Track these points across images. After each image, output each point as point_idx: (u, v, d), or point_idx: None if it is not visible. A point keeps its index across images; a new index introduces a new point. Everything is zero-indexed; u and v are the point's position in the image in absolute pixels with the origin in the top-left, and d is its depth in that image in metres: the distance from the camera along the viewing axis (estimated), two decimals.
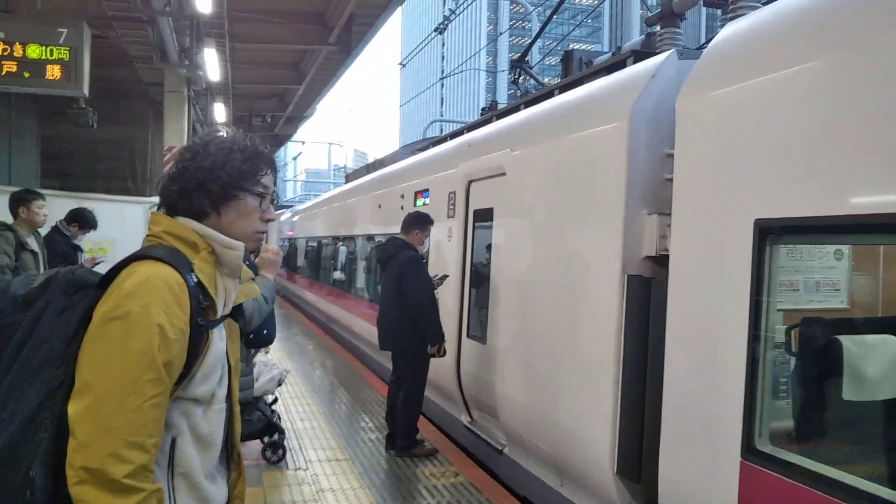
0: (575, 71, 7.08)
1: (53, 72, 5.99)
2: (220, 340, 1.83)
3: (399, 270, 5.60)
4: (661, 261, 3.97)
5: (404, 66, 24.49)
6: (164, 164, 9.44)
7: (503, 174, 5.74)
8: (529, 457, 5.11)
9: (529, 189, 5.29)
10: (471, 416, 6.33)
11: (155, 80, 11.59)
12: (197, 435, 1.75)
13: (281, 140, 23.77)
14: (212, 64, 9.21)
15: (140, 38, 9.87)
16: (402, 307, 5.62)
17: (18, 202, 5.55)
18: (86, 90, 6.62)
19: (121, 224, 10.75)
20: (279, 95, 18.21)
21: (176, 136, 9.35)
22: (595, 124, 4.41)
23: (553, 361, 4.66)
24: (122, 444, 1.53)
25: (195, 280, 1.74)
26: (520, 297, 5.22)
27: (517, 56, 9.29)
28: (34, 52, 5.98)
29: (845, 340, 2.89)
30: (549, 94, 5.90)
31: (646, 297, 3.87)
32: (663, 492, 3.49)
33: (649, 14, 5.79)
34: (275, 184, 1.99)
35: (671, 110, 4.02)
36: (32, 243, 5.55)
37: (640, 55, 4.80)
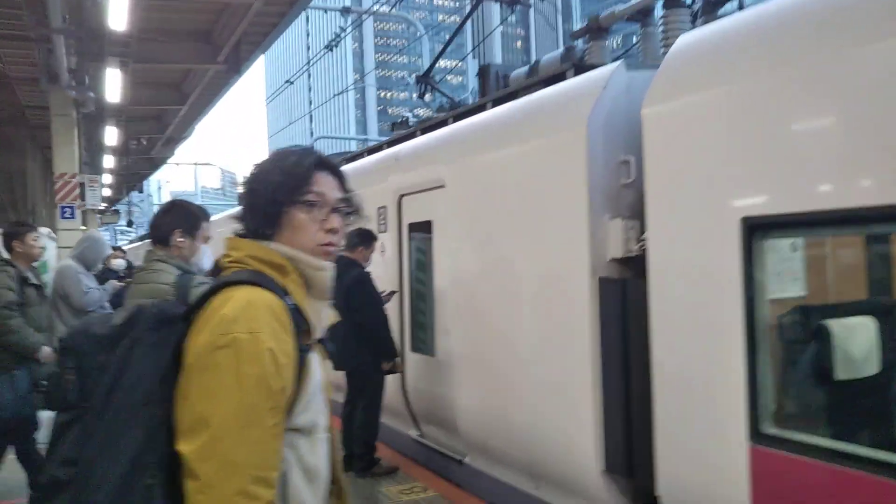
0: (492, 84, 7.26)
1: None
2: (318, 366, 1.76)
3: (347, 290, 5.51)
4: (625, 262, 4.16)
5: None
6: (56, 191, 8.82)
7: (441, 186, 5.78)
8: (496, 464, 5.15)
9: (475, 200, 5.35)
10: (420, 430, 6.30)
11: (35, 102, 10.78)
12: (305, 468, 1.66)
13: (157, 163, 22.74)
14: (114, 84, 8.68)
15: (23, 58, 9.16)
16: (352, 326, 5.53)
17: (12, 236, 5.16)
18: None
19: None
20: (157, 117, 17.48)
21: (66, 161, 8.76)
22: (551, 133, 4.55)
23: (520, 367, 4.74)
24: (249, 480, 1.45)
25: (292, 303, 1.68)
26: (475, 307, 5.27)
27: (421, 73, 9.37)
28: None
29: (833, 325, 3.13)
30: (481, 108, 6.00)
31: (619, 297, 4.02)
32: (663, 484, 3.62)
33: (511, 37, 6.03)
34: (344, 189, 1.89)
35: (624, 118, 4.25)
36: (33, 277, 5.21)
37: (580, 68, 4.98)
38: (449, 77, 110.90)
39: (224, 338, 1.48)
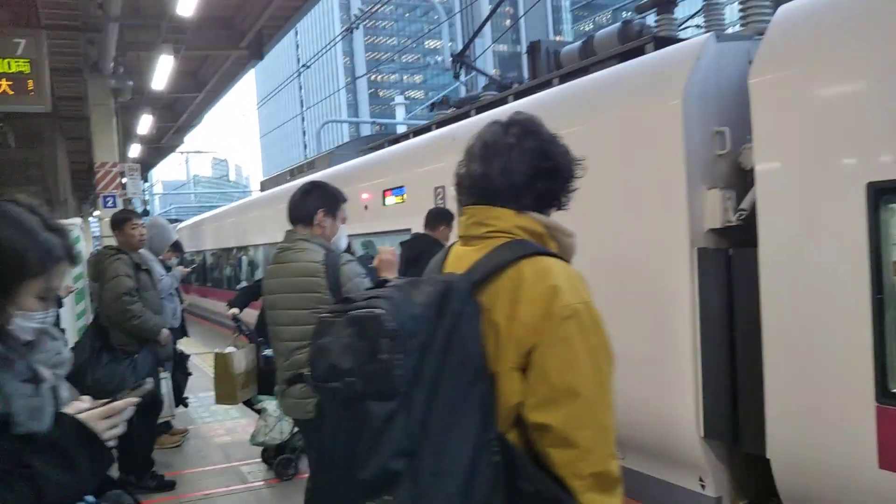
0: (543, 61, 7.27)
1: (16, 86, 5.41)
2: None
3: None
4: (721, 232, 4.22)
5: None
6: (97, 181, 8.80)
7: None
8: None
9: None
10: None
11: (68, 93, 10.69)
12: None
13: (164, 152, 22.64)
14: (163, 72, 8.63)
15: (69, 48, 9.07)
16: None
17: (113, 226, 5.32)
18: (48, 105, 6.03)
19: None
20: (169, 105, 17.41)
21: (107, 150, 8.73)
22: (643, 105, 4.58)
23: (615, 337, 4.79)
24: (613, 441, 1.52)
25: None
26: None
27: (458, 51, 9.37)
28: None
29: None
30: (547, 84, 6.02)
31: (723, 266, 4.09)
32: (773, 449, 3.70)
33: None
34: None
35: (715, 89, 4.30)
36: (142, 262, 5.36)
37: (660, 41, 5.01)
38: (440, 58, 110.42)
39: (566, 309, 1.51)
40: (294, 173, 12.62)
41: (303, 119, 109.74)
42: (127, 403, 1.62)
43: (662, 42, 4.99)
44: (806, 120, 3.59)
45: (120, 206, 9.13)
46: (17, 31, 5.73)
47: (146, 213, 23.96)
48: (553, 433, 1.48)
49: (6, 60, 5.37)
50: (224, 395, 5.23)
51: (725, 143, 4.21)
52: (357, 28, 17.08)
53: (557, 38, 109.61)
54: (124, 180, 8.79)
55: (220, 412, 7.60)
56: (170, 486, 5.22)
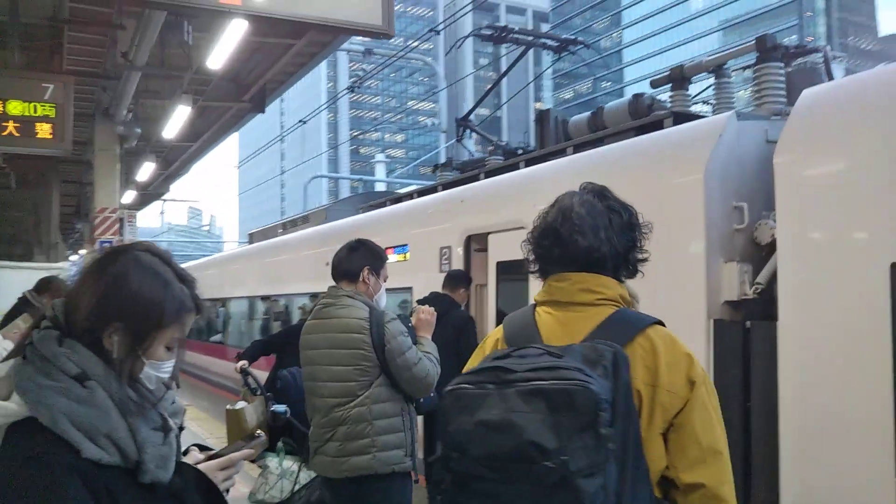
0: (552, 130, 7.48)
1: (42, 130, 5.45)
2: None
3: (459, 328, 5.46)
4: (737, 305, 4.33)
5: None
6: (96, 226, 8.77)
7: (522, 228, 5.91)
8: None
9: None
10: None
11: (74, 137, 10.68)
12: None
13: (149, 199, 22.58)
14: (178, 121, 8.70)
15: (85, 94, 9.13)
16: (455, 361, 5.53)
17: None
18: (69, 149, 6.07)
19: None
20: (160, 153, 17.49)
21: (108, 196, 8.73)
22: (664, 177, 4.73)
23: None
24: None
25: None
26: None
27: (462, 116, 9.60)
28: (16, 108, 5.43)
29: None
30: (561, 152, 6.19)
31: (740, 338, 4.18)
32: None
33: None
34: None
35: (736, 165, 4.47)
36: None
37: (679, 116, 5.21)
38: (422, 118, 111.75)
39: (699, 375, 1.66)
40: (287, 226, 12.66)
41: (282, 171, 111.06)
42: (243, 455, 1.63)
43: (681, 118, 5.19)
44: (829, 198, 3.75)
45: None
46: (46, 76, 5.82)
47: None
48: (705, 490, 1.58)
49: (33, 104, 5.43)
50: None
51: (744, 217, 4.35)
52: (354, 89, 17.35)
53: (536, 105, 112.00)
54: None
55: None
56: None
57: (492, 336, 1.95)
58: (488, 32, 8.14)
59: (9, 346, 4.77)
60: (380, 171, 65.66)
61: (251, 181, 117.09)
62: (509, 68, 9.14)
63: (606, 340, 1.63)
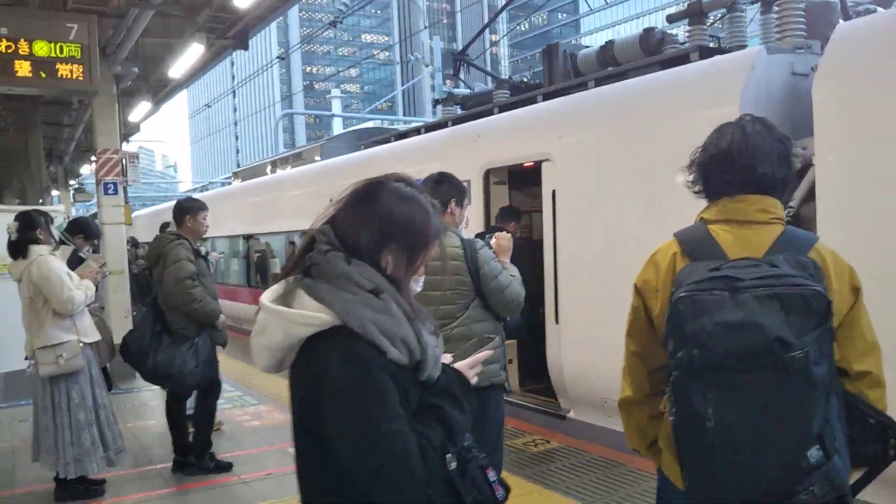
0: (560, 63, 7.63)
1: (67, 70, 5.39)
2: None
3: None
4: None
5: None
6: (98, 168, 8.70)
7: (547, 160, 6.12)
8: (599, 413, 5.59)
9: (596, 173, 5.71)
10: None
11: None
12: None
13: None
14: (188, 61, 8.53)
15: None
16: None
17: (185, 211, 5.29)
18: (96, 88, 5.99)
19: None
20: (157, 93, 17.12)
21: (109, 137, 8.60)
22: (698, 109, 4.96)
23: None
24: None
25: None
26: (606, 275, 5.56)
27: (459, 50, 9.63)
28: (42, 49, 5.35)
29: None
30: (581, 86, 6.37)
31: None
32: None
33: None
34: None
35: (765, 96, 4.74)
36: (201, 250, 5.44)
37: (705, 51, 5.42)
38: (376, 52, 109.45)
39: (860, 283, 1.95)
40: (277, 164, 12.63)
41: (236, 124, 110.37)
42: (485, 356, 1.86)
43: (707, 52, 5.40)
44: (866, 122, 4.04)
45: (121, 194, 9.05)
46: (69, 14, 5.71)
47: None
48: (871, 377, 1.89)
49: (59, 44, 5.36)
50: None
51: None
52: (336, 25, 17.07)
53: (493, 38, 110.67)
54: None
55: (236, 399, 7.69)
56: (227, 466, 5.34)
57: (663, 252, 2.14)
58: None
59: (89, 284, 4.89)
60: (336, 107, 64.62)
61: (203, 126, 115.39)
62: (499, 12, 9.18)
63: (788, 253, 1.87)
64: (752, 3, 6.40)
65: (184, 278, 5.00)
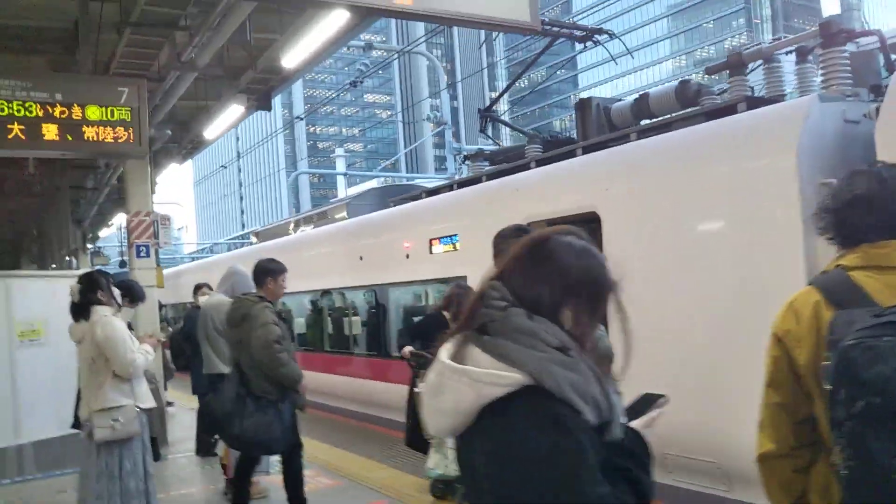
0: (593, 115, 7.70)
1: (118, 134, 5.44)
2: None
3: None
4: None
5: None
6: (131, 230, 8.72)
7: (591, 213, 6.10)
8: (681, 472, 5.46)
9: (645, 226, 5.69)
10: None
11: None
12: None
13: None
14: (225, 122, 8.62)
15: None
16: None
17: (267, 273, 5.25)
18: (147, 152, 6.04)
19: (52, 302, 9.72)
20: (187, 155, 17.25)
21: (140, 199, 8.64)
22: (757, 160, 4.97)
23: (723, 378, 5.08)
24: None
25: None
26: (675, 322, 5.49)
27: (485, 107, 9.75)
28: (94, 113, 5.41)
29: None
30: (623, 139, 6.41)
31: None
32: None
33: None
34: None
35: (820, 144, 4.76)
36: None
37: (753, 101, 5.47)
38: (378, 111, 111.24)
39: None
40: (300, 223, 12.67)
41: (241, 199, 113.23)
42: (658, 414, 1.80)
43: (754, 102, 5.45)
44: None
45: (152, 257, 9.04)
46: (120, 79, 5.80)
47: (123, 263, 23.41)
48: None
49: (110, 108, 5.43)
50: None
51: None
52: (356, 84, 17.33)
53: (493, 94, 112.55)
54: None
55: (277, 464, 7.53)
56: None
57: (802, 299, 2.10)
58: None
59: (148, 349, 4.83)
60: (340, 166, 65.27)
61: (207, 193, 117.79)
62: (534, 60, 9.33)
63: None
64: (787, 53, 6.49)
65: (272, 342, 4.94)
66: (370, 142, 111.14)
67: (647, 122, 6.74)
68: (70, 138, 5.54)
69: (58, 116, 5.43)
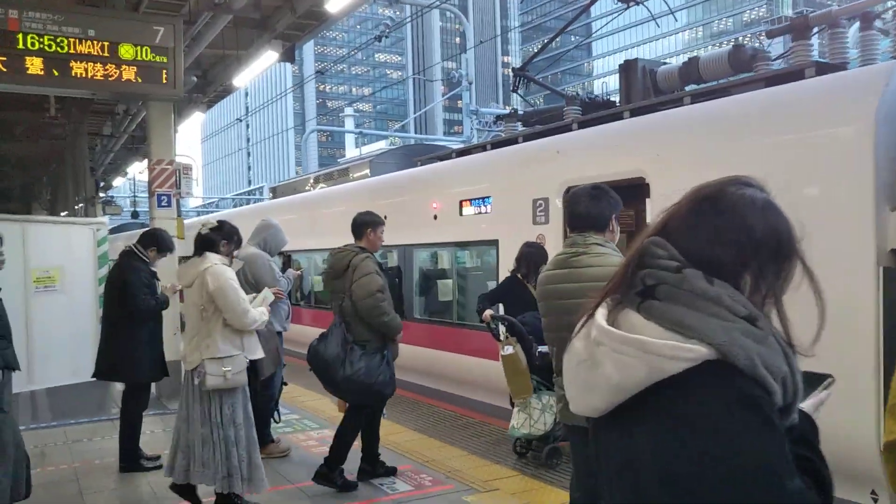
0: (639, 78, 7.40)
1: (152, 75, 5.17)
2: None
3: None
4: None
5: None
6: (153, 179, 8.48)
7: (639, 178, 5.86)
8: None
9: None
10: None
11: None
12: None
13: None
14: (257, 69, 8.30)
15: None
16: None
17: (366, 224, 5.27)
18: (181, 93, 5.77)
19: (67, 249, 9.55)
20: (213, 102, 16.96)
21: (163, 147, 8.36)
22: (831, 127, 4.70)
23: None
24: None
25: None
26: None
27: (520, 66, 9.43)
28: (128, 52, 5.14)
29: None
30: (676, 102, 6.13)
31: None
32: None
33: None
34: None
35: None
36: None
37: (822, 67, 5.18)
38: (389, 72, 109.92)
39: None
40: (320, 179, 12.40)
41: (248, 154, 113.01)
42: (828, 395, 1.59)
43: (824, 67, 5.16)
44: None
45: (174, 207, 8.82)
46: (156, 17, 5.51)
47: (136, 214, 23.19)
48: None
49: (144, 48, 5.15)
50: (520, 389, 5.56)
51: None
52: (381, 38, 16.87)
53: (505, 59, 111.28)
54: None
55: (294, 423, 7.40)
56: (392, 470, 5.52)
57: None
58: None
59: (264, 310, 4.81)
60: (349, 125, 64.73)
61: (214, 149, 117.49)
62: (574, 19, 8.99)
63: None
64: (849, 19, 6.18)
65: (375, 291, 5.01)
66: (380, 102, 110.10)
67: (697, 86, 6.44)
68: (100, 76, 5.28)
69: (89, 53, 5.16)
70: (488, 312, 5.97)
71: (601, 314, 1.40)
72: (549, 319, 3.40)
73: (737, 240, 1.38)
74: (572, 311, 3.24)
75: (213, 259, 4.66)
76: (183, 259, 5.67)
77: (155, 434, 7.05)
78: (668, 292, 1.35)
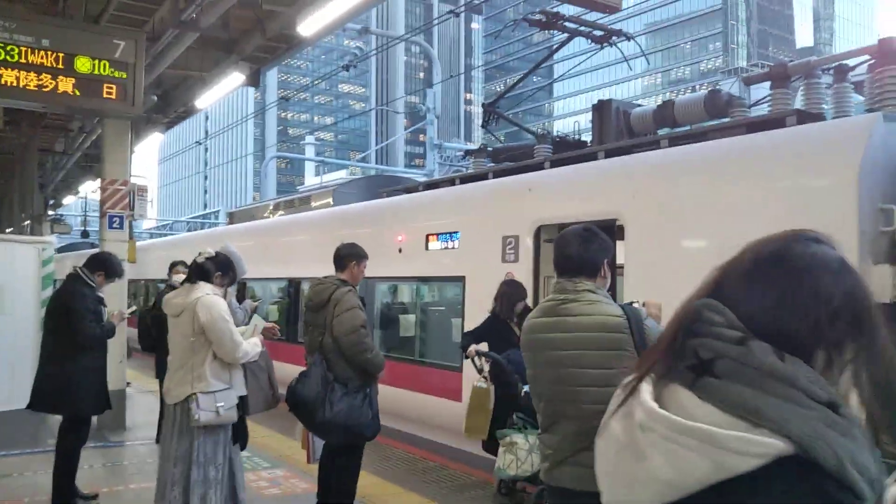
0: (612, 119, 7.33)
1: (109, 91, 4.84)
2: None
3: None
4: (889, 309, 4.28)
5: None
6: (105, 199, 8.08)
7: (613, 220, 5.72)
8: None
9: (676, 239, 5.33)
10: None
11: None
12: None
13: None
14: (220, 91, 7.97)
15: None
16: None
17: (351, 257, 4.98)
18: (140, 111, 5.44)
19: (10, 268, 9.08)
20: (172, 124, 16.53)
21: (118, 167, 8.00)
22: (808, 176, 4.63)
23: None
24: None
25: None
26: None
27: (489, 102, 9.34)
28: (85, 65, 4.81)
29: None
30: (652, 145, 6.03)
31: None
32: None
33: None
34: None
35: (882, 167, 4.43)
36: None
37: (802, 115, 5.13)
38: (352, 102, 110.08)
39: None
40: (281, 206, 12.07)
41: (205, 178, 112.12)
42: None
43: (805, 116, 5.10)
44: None
45: (126, 229, 8.44)
46: (117, 30, 5.19)
47: (86, 234, 22.37)
48: None
49: (102, 62, 4.84)
50: (476, 427, 5.40)
51: (893, 220, 4.31)
52: (348, 68, 16.72)
53: (467, 95, 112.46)
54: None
55: (244, 460, 7.00)
56: None
57: None
58: (539, 18, 7.90)
59: (257, 342, 4.59)
60: (309, 153, 64.27)
61: (170, 172, 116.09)
62: (548, 56, 8.94)
63: None
64: (824, 71, 6.19)
65: (359, 326, 4.73)
66: (341, 132, 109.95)
67: (671, 129, 6.37)
68: (53, 90, 4.95)
69: (42, 64, 4.83)
70: (473, 348, 5.83)
71: (647, 391, 1.16)
72: (539, 372, 3.12)
73: (811, 308, 1.15)
74: (565, 364, 3.03)
75: (205, 289, 4.44)
76: (159, 285, 5.30)
77: (93, 469, 6.60)
78: (728, 368, 1.10)
